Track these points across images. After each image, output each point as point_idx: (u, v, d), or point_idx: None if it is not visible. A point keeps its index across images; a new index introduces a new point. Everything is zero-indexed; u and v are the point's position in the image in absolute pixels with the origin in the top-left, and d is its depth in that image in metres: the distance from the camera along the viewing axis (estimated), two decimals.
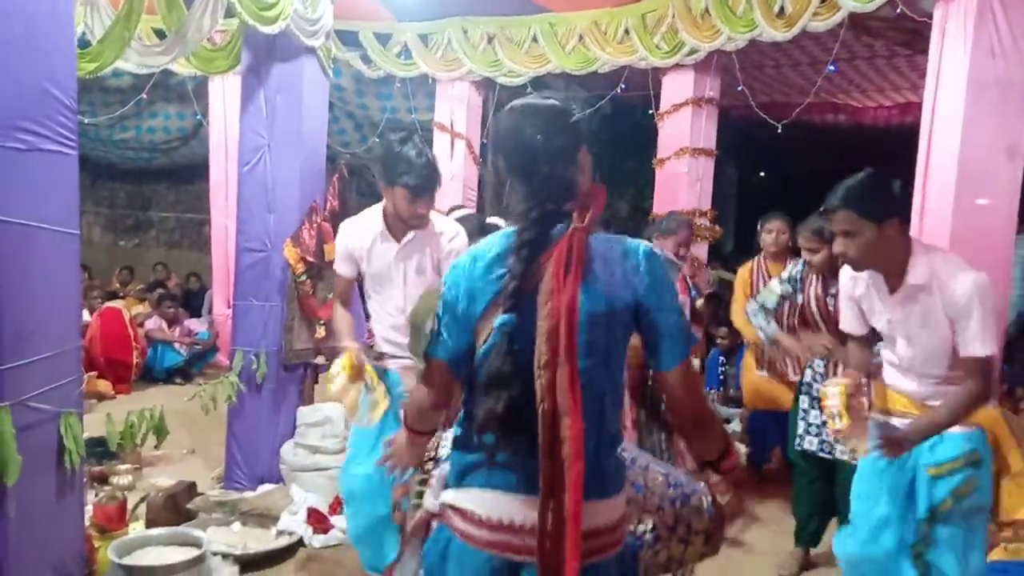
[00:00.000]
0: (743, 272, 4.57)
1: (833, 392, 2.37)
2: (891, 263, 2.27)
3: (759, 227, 4.57)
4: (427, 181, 2.69)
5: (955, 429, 2.30)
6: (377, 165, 2.81)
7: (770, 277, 4.45)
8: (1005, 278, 4.10)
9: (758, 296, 3.81)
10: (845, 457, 3.13)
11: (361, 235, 2.89)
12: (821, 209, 3.45)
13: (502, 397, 1.44)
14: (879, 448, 2.26)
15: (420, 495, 1.93)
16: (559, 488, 1.40)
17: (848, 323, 2.59)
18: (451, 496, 1.58)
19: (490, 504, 1.51)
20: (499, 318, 1.45)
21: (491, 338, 1.48)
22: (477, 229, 3.58)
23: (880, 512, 2.44)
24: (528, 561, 1.46)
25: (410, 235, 2.84)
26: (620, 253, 1.48)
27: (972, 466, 2.32)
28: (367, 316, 3.18)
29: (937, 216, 4.05)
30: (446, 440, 1.83)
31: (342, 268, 2.98)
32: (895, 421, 2.38)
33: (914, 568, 2.37)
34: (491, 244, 1.57)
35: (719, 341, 5.83)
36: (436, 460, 1.89)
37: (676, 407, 1.55)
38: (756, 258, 4.59)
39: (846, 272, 2.51)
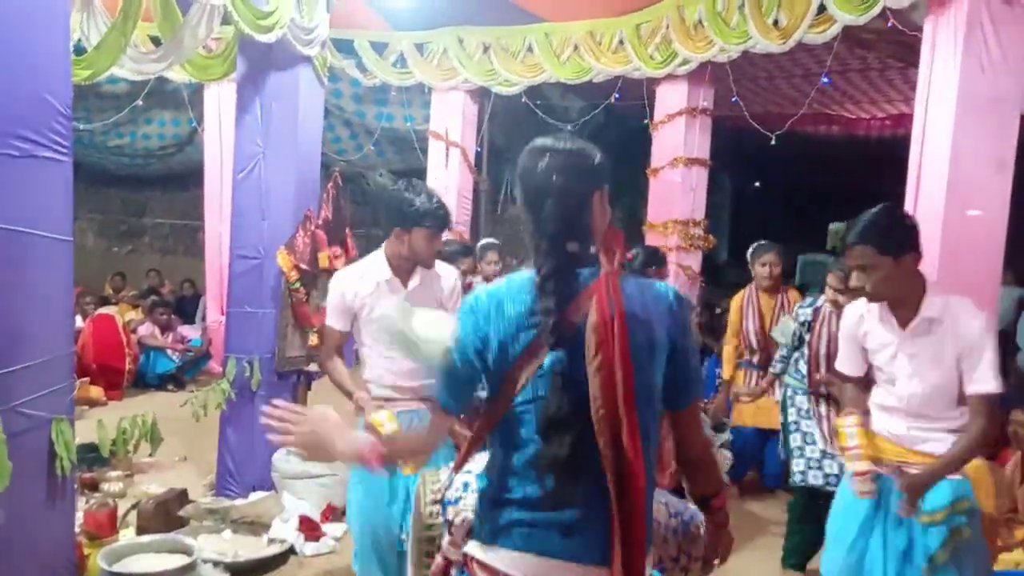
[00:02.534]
0: (734, 303, 4.58)
1: (851, 432, 2.38)
2: (905, 297, 2.31)
3: (751, 258, 4.55)
4: (445, 219, 2.80)
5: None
6: (388, 213, 2.82)
7: (760, 309, 4.45)
8: (992, 291, 4.11)
9: (783, 335, 3.78)
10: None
11: (360, 284, 2.85)
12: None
13: (565, 440, 1.41)
14: (902, 490, 2.26)
15: (431, 541, 1.89)
16: (628, 548, 1.40)
17: (846, 363, 2.61)
18: (484, 555, 1.51)
19: (531, 570, 1.46)
20: (548, 357, 1.42)
21: (539, 381, 1.44)
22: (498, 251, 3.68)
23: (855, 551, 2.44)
24: None
25: (415, 280, 2.86)
26: (652, 298, 1.49)
27: (962, 515, 2.30)
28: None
29: (927, 227, 4.02)
30: (455, 484, 1.77)
31: (337, 322, 2.91)
32: (884, 469, 2.39)
33: None
34: (512, 287, 1.52)
35: (715, 349, 5.85)
36: (443, 503, 1.81)
37: (685, 444, 1.61)
38: (748, 288, 4.58)
39: (853, 310, 2.53)
